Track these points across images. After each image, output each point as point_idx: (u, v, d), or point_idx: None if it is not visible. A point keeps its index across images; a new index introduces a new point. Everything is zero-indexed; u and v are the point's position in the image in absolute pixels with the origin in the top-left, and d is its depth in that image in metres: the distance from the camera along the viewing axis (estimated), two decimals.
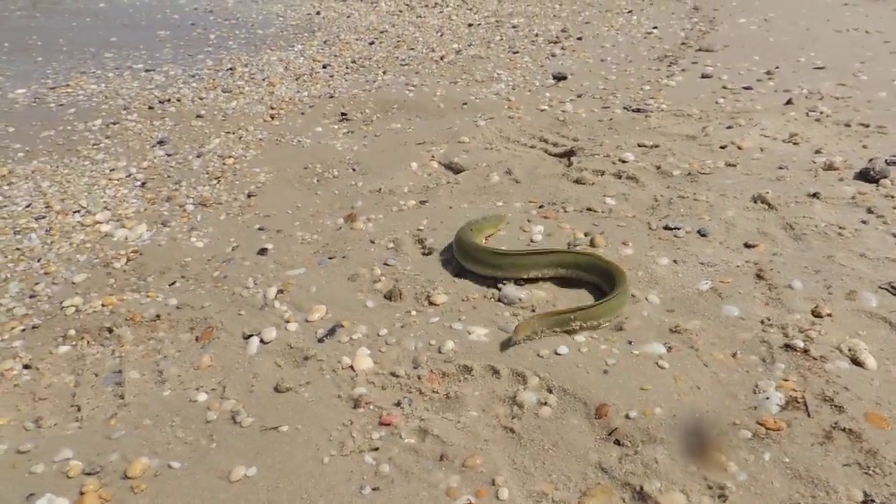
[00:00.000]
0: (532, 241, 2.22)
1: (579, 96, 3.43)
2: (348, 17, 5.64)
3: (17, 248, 2.38)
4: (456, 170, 2.77)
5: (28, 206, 2.68)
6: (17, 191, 2.82)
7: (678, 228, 2.18)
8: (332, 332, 1.85)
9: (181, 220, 2.52)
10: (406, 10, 5.77)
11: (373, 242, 2.28)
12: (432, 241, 2.26)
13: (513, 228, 2.30)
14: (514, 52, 4.30)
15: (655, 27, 4.60)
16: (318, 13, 5.77)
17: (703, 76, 3.58)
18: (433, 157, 2.90)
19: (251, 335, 1.86)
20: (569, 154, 2.79)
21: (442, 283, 2.02)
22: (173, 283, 2.14)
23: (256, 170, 2.90)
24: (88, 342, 1.90)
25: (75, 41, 5.36)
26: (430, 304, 1.95)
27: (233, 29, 5.44)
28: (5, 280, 2.20)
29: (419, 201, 2.51)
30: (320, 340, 1.83)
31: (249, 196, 2.68)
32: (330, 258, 2.23)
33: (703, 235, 2.14)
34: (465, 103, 3.50)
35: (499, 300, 1.93)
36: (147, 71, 4.41)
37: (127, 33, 5.56)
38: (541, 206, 2.43)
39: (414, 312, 1.91)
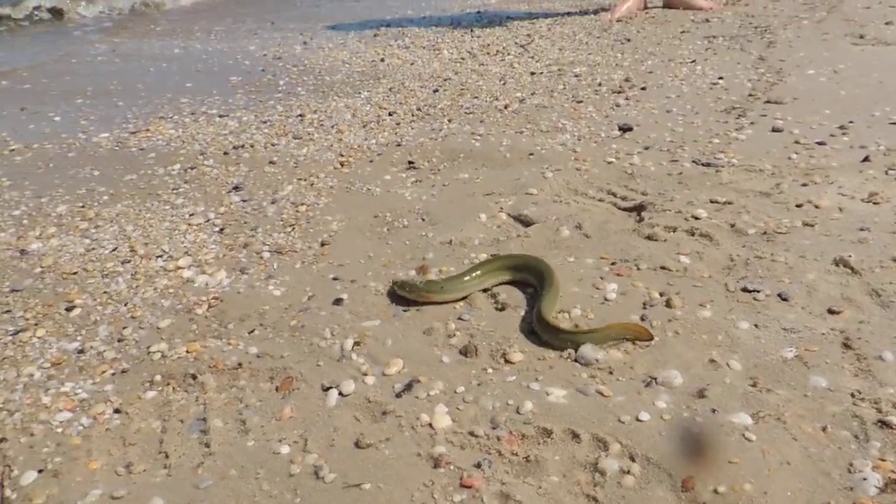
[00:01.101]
0: (606, 299, 2.21)
1: (646, 148, 3.43)
2: (412, 64, 5.79)
3: (105, 292, 2.48)
4: (525, 222, 2.79)
5: (114, 249, 2.80)
6: (104, 234, 2.96)
7: (757, 291, 2.15)
8: (409, 387, 1.87)
9: (258, 268, 2.59)
10: (468, 57, 5.89)
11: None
12: (505, 296, 2.27)
13: (585, 286, 2.30)
14: (578, 102, 4.34)
15: (721, 78, 4.59)
16: (382, 60, 5.94)
17: (774, 130, 3.54)
18: (502, 208, 2.93)
19: (330, 387, 1.89)
20: (639, 209, 2.79)
21: (517, 340, 2.03)
22: (252, 331, 2.20)
23: (328, 218, 2.97)
24: (174, 388, 1.96)
25: (153, 86, 5.63)
26: (506, 361, 1.95)
27: (301, 75, 5.64)
28: (95, 323, 2.29)
29: (490, 255, 2.53)
30: (398, 395, 1.85)
31: (323, 244, 2.75)
32: (404, 310, 2.26)
33: (785, 299, 2.10)
34: (531, 154, 3.53)
35: (576, 360, 1.93)
36: (221, 116, 4.59)
37: (201, 79, 5.81)
38: (613, 263, 2.43)
39: (490, 370, 1.92)
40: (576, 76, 5.01)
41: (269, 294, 2.40)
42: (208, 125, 4.44)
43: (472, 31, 7.09)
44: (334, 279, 2.48)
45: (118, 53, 7.12)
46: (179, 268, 2.62)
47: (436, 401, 1.82)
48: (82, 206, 3.26)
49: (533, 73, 5.18)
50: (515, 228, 2.78)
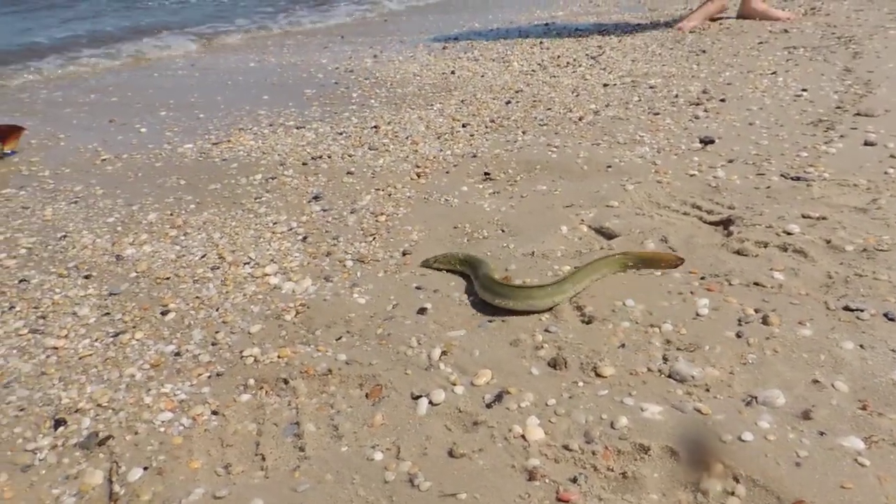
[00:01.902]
0: (698, 314, 2.16)
1: (730, 161, 3.35)
2: (482, 76, 5.81)
3: (197, 297, 2.56)
4: (608, 235, 2.75)
5: (203, 256, 2.89)
6: (193, 241, 3.06)
7: (861, 310, 2.06)
8: (499, 398, 1.87)
9: (342, 276, 2.63)
10: (539, 69, 5.87)
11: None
12: (592, 308, 2.24)
13: (674, 300, 2.25)
14: (655, 114, 4.27)
15: (805, 90, 4.44)
16: (452, 72, 5.98)
17: (867, 143, 3.41)
18: (583, 220, 2.90)
19: (420, 396, 1.90)
20: (726, 223, 2.71)
21: (608, 353, 2.00)
22: (340, 339, 2.23)
23: (409, 228, 3.00)
24: (267, 392, 2.00)
25: (231, 99, 5.81)
26: (597, 375, 1.92)
27: (373, 87, 5.73)
28: (189, 327, 2.37)
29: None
30: (488, 406, 1.84)
31: (404, 254, 2.77)
32: (489, 321, 2.26)
33: (891, 319, 2.00)
34: (609, 166, 3.49)
35: (669, 376, 1.88)
36: (298, 128, 4.70)
37: (277, 91, 5.96)
38: (702, 278, 2.37)
39: (581, 383, 1.90)
40: (651, 88, 4.94)
41: (354, 302, 2.44)
42: (286, 136, 4.55)
43: (541, 42, 7.07)
44: (417, 288, 2.50)
45: (197, 68, 7.38)
46: (266, 275, 2.69)
47: (527, 412, 1.80)
48: (171, 214, 3.38)
49: (606, 85, 5.13)
50: (598, 241, 2.75)
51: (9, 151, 4.61)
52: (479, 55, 6.77)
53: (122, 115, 5.47)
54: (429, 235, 2.92)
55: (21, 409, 1.99)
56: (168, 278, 2.72)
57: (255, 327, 2.32)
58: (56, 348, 2.29)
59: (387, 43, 7.94)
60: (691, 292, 2.28)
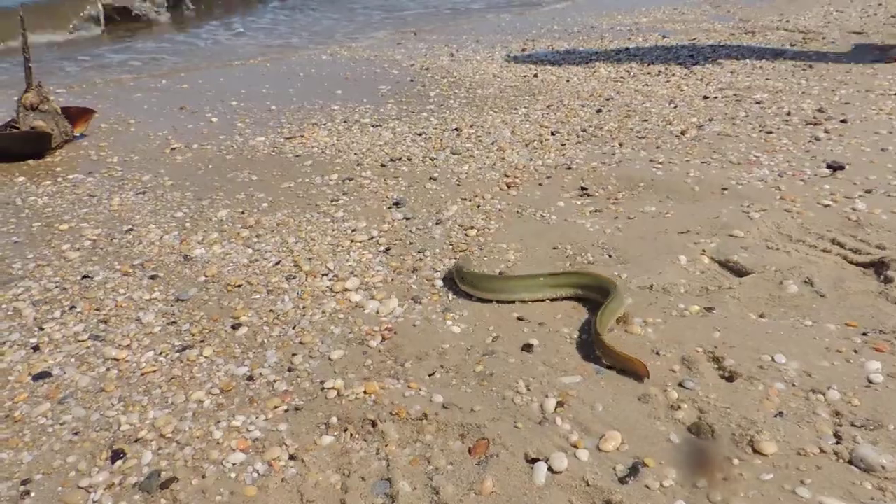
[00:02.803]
0: (870, 381, 1.79)
1: (868, 192, 2.93)
2: (567, 81, 5.46)
3: (271, 310, 2.30)
4: (737, 271, 2.39)
5: (278, 263, 2.63)
6: (266, 244, 2.81)
7: None
8: (634, 471, 1.54)
9: (432, 298, 2.34)
10: (628, 77, 5.50)
11: (657, 354, 1.96)
12: (733, 362, 1.89)
13: (836, 360, 1.88)
14: (768, 133, 3.86)
15: None
16: (535, 76, 5.65)
17: None
18: (704, 251, 2.54)
19: (537, 459, 1.59)
20: (879, 266, 2.32)
21: (764, 424, 1.64)
22: (433, 374, 1.94)
23: (503, 245, 2.69)
24: (352, 434, 1.72)
25: (303, 92, 5.60)
26: (755, 451, 1.58)
27: (451, 87, 5.44)
28: (262, 346, 2.10)
29: (704, 307, 2.16)
30: (622, 481, 1.52)
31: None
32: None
33: None
34: (724, 188, 3.11)
35: (850, 462, 1.52)
36: (374, 126, 4.44)
37: (350, 86, 5.73)
38: (864, 334, 1.99)
39: (736, 461, 1.55)
40: (757, 103, 4.52)
41: (447, 331, 2.14)
42: (362, 134, 4.29)
43: (626, 49, 6.68)
44: (519, 319, 2.19)
45: (268, 58, 7.22)
46: (347, 290, 2.41)
47: (672, 495, 1.47)
48: (242, 213, 3.15)
49: (706, 98, 4.72)
50: (725, 277, 2.39)
51: (78, 134, 4.47)
52: (561, 58, 6.42)
53: (193, 102, 5.31)
54: (526, 255, 2.61)
55: (76, 433, 1.74)
56: (240, 286, 2.47)
57: (336, 352, 2.04)
58: (117, 360, 2.05)
59: (462, 42, 7.65)
60: (854, 350, 1.91)
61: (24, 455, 1.67)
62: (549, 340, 2.07)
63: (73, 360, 2.06)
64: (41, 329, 2.23)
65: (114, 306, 2.37)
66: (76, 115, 4.54)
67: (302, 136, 4.29)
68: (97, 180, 3.67)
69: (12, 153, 4.06)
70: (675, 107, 4.57)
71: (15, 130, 4.12)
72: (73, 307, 2.37)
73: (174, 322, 2.26)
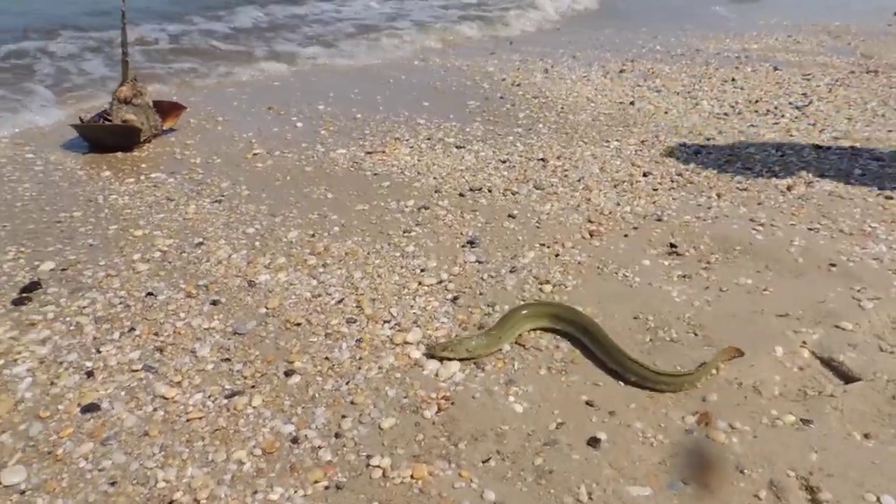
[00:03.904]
0: None
1: None
2: (666, 113, 5.17)
3: (327, 358, 2.20)
4: (843, 374, 2.12)
5: (340, 301, 2.53)
6: (331, 277, 2.71)
7: None
8: None
9: (496, 365, 2.18)
10: (732, 113, 5.15)
11: (742, 472, 1.73)
12: (831, 497, 1.65)
13: None
14: (888, 198, 3.49)
15: None
16: (632, 103, 5.38)
17: None
18: (804, 343, 2.28)
19: None
20: None
21: None
22: (488, 461, 1.78)
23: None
24: None
25: (391, 100, 5.52)
26: None
27: (542, 109, 5.24)
28: (313, 400, 2.00)
29: (800, 419, 1.91)
30: None
31: (573, 349, 2.27)
32: (684, 482, 1.72)
33: None
34: (832, 264, 2.81)
35: None
36: (458, 147, 4.30)
37: (438, 98, 5.62)
38: None
39: None
40: (876, 160, 4.12)
41: (508, 408, 1.97)
42: (445, 156, 4.16)
43: (733, 80, 6.29)
44: (588, 405, 2.00)
45: (360, 60, 7.19)
46: (408, 343, 2.28)
47: None
48: (312, 236, 3.07)
49: (818, 147, 4.35)
50: (827, 379, 2.12)
51: (167, 129, 4.53)
52: (661, 85, 6.10)
53: (281, 101, 5.31)
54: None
55: (112, 483, 1.68)
56: (299, 325, 2.38)
57: (387, 420, 1.91)
58: (166, 399, 1.99)
59: (558, 56, 7.40)
60: None
61: (59, 503, 1.61)
62: (620, 436, 1.88)
63: (123, 393, 2.01)
64: (98, 351, 2.20)
65: (172, 332, 2.33)
66: (167, 109, 4.60)
67: (383, 152, 4.20)
68: (177, 182, 3.69)
69: (103, 144, 4.14)
70: (783, 155, 4.23)
71: (107, 123, 4.20)
72: (132, 329, 2.33)
73: (228, 359, 2.19)
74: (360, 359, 2.19)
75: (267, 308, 2.48)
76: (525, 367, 2.16)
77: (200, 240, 3.01)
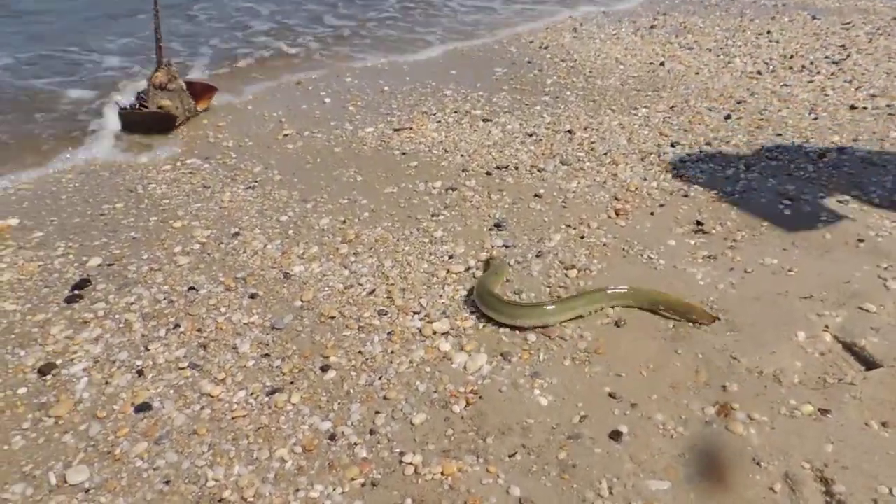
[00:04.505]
0: None
1: None
2: (697, 73, 5.07)
3: (360, 352, 2.31)
4: (864, 359, 2.16)
5: (372, 292, 2.63)
6: (362, 266, 2.81)
7: None
8: None
9: (523, 356, 2.26)
10: (766, 72, 5.03)
11: (758, 465, 1.80)
12: (844, 490, 1.71)
13: None
14: None
15: None
16: (662, 64, 5.28)
17: None
18: (827, 326, 2.31)
19: None
20: None
21: None
22: (514, 455, 1.88)
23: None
24: None
25: (417, 70, 5.51)
26: None
27: (570, 74, 5.18)
28: (348, 395, 2.11)
29: (818, 409, 1.96)
30: None
31: (595, 336, 2.34)
32: (699, 473, 1.79)
33: None
34: (860, 240, 2.80)
35: None
36: (485, 121, 4.32)
37: (466, 64, 5.59)
38: None
39: None
40: None
41: (534, 401, 2.06)
42: (472, 130, 4.18)
43: (768, 32, 6.11)
44: (611, 396, 2.08)
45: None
46: (436, 333, 2.38)
47: None
48: (343, 222, 3.16)
49: (853, 108, 4.26)
50: (848, 365, 2.16)
51: (201, 110, 4.62)
52: (693, 41, 5.96)
53: (308, 74, 5.35)
54: (628, 310, 2.46)
55: (167, 482, 1.83)
56: (333, 318, 2.48)
57: (419, 416, 2.02)
58: (212, 397, 2.12)
59: (587, 12, 7.24)
60: None
61: (120, 502, 1.77)
62: (641, 429, 1.96)
63: (172, 391, 2.15)
64: (147, 349, 2.34)
65: (214, 328, 2.45)
66: (200, 91, 4.69)
67: (410, 129, 4.24)
68: (212, 168, 3.79)
69: (141, 128, 4.27)
70: (816, 118, 4.15)
71: (144, 109, 4.31)
72: (177, 325, 2.46)
73: (267, 354, 2.31)
74: (392, 352, 2.29)
75: (302, 301, 2.59)
76: (550, 358, 2.24)
77: (237, 230, 3.12)
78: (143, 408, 2.08)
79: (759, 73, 5.05)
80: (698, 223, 3.04)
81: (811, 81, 4.78)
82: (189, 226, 3.18)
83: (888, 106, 4.24)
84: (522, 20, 7.05)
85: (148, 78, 4.41)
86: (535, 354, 2.27)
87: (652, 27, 6.51)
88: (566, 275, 2.70)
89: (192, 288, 2.69)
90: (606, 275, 2.69)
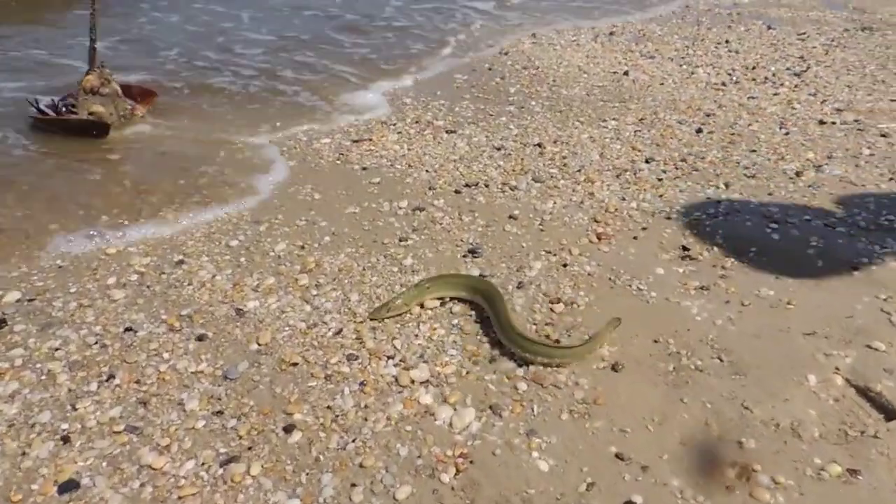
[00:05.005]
0: None
1: None
2: (662, 84, 4.94)
3: (329, 407, 2.02)
4: (882, 407, 1.99)
5: (339, 332, 2.34)
6: (326, 299, 2.51)
7: None
8: None
9: (514, 410, 2.01)
10: (730, 83, 4.94)
11: None
12: None
13: None
14: None
15: None
16: (626, 73, 5.13)
17: None
18: (837, 368, 2.14)
19: None
20: None
21: None
22: None
23: (593, 331, 2.32)
24: None
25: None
26: None
27: (533, 83, 4.98)
28: (317, 463, 1.82)
29: (847, 469, 1.78)
30: None
31: (591, 385, 2.11)
32: None
33: None
34: (854, 267, 2.67)
35: None
36: (449, 132, 4.06)
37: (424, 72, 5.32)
38: None
39: None
40: (883, 136, 3.96)
41: (533, 466, 1.82)
42: (436, 143, 3.92)
43: (727, 42, 6.06)
44: (618, 457, 1.85)
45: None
46: (415, 383, 2.10)
47: None
48: (302, 248, 2.86)
49: (822, 122, 4.18)
50: (866, 414, 1.99)
51: (139, 115, 4.22)
52: (654, 50, 5.85)
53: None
54: (623, 353, 2.24)
55: None
56: (295, 364, 2.18)
57: (402, 489, 1.75)
58: (154, 469, 1.80)
59: (546, 20, 7.06)
60: None
61: None
62: (654, 496, 1.73)
63: (104, 463, 1.81)
64: (74, 408, 1.99)
65: (156, 379, 2.12)
66: (138, 95, 4.29)
67: (370, 140, 3.94)
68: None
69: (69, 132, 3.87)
70: (787, 133, 4.05)
71: (73, 116, 3.89)
72: (111, 376, 2.12)
73: (220, 412, 2.00)
74: (366, 407, 2.01)
75: (259, 344, 2.27)
76: (545, 412, 2.00)
77: (180, 257, 2.77)
78: (70, 486, 1.74)
79: (723, 84, 4.95)
80: (684, 248, 2.86)
81: (776, 94, 4.71)
82: (125, 252, 2.81)
83: (856, 121, 4.18)
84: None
85: (78, 82, 3.99)
86: (527, 407, 2.02)
87: (611, 34, 6.39)
88: (552, 309, 2.47)
89: (128, 328, 2.34)
90: (595, 309, 2.47)
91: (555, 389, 2.09)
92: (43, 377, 2.12)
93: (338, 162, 3.67)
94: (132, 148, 3.79)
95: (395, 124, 4.19)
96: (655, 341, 2.30)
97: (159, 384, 2.10)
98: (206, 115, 4.31)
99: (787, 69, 5.29)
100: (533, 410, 2.01)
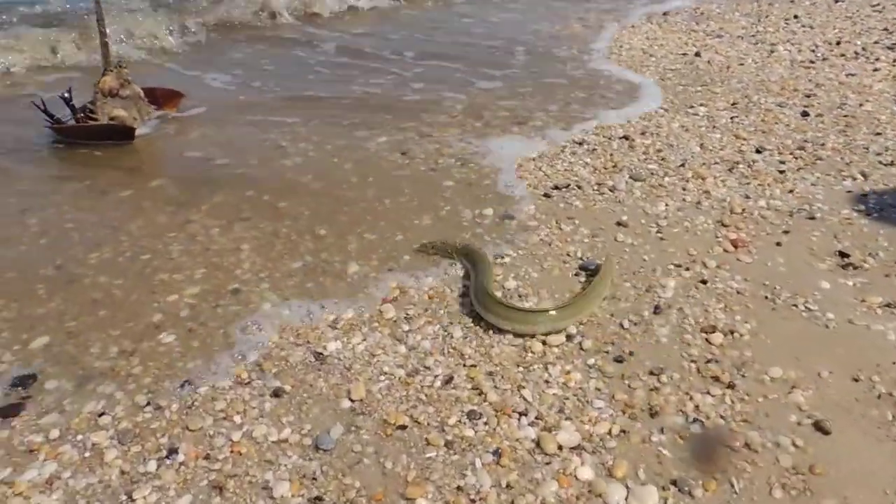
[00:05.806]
0: None
1: None
2: (741, 64, 4.43)
3: (459, 487, 1.53)
4: None
5: (448, 381, 1.85)
6: (422, 337, 2.03)
7: None
8: None
9: (707, 487, 1.52)
10: (817, 60, 4.41)
11: None
12: None
13: None
14: None
15: None
16: (697, 55, 4.62)
17: None
18: None
19: None
20: None
21: None
22: None
23: (775, 373, 1.82)
24: None
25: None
26: None
27: (593, 73, 4.47)
28: None
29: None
30: None
31: (798, 444, 1.61)
32: None
33: None
34: None
35: None
36: (520, 124, 3.56)
37: (473, 53, 4.83)
38: None
39: None
40: None
41: None
42: (503, 136, 3.43)
43: (796, 17, 5.52)
44: None
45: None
46: (563, 449, 1.61)
47: None
48: (376, 264, 2.36)
49: None
50: None
51: (170, 116, 3.77)
52: (718, 28, 5.33)
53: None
54: (820, 396, 1.74)
55: None
56: (403, 427, 1.70)
57: None
58: None
59: (586, 6, 6.54)
60: None
61: None
62: None
63: None
64: (132, 499, 1.52)
65: (229, 453, 1.64)
66: (163, 97, 3.84)
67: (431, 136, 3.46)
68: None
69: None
70: None
71: (92, 123, 3.44)
72: (172, 451, 1.65)
73: (320, 498, 1.52)
74: (509, 487, 1.53)
75: (352, 400, 1.79)
76: (749, 487, 1.52)
77: (236, 285, 2.30)
78: None
79: (811, 61, 4.43)
80: (843, 255, 2.35)
81: (876, 70, 4.18)
82: (172, 280, 2.34)
83: None
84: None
85: (94, 84, 3.53)
86: (722, 480, 1.52)
87: (665, 14, 5.86)
88: (708, 340, 1.97)
89: (187, 382, 1.86)
90: (764, 338, 1.97)
91: (750, 454, 1.59)
92: (87, 453, 1.65)
93: (398, 161, 3.18)
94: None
95: (456, 116, 3.70)
96: (855, 380, 1.81)
97: (234, 460, 1.62)
98: None
99: (876, 42, 4.76)
100: (734, 486, 1.51)
